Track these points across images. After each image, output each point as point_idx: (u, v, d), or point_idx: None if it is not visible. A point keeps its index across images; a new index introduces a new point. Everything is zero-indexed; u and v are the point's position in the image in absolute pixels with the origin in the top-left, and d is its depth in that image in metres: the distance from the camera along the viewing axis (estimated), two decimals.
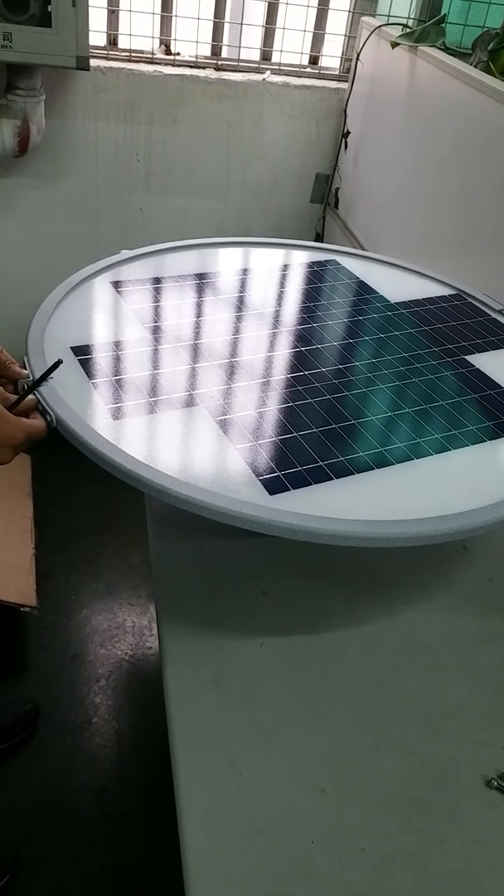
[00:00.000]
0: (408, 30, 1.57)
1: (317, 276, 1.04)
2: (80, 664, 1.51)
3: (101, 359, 0.77)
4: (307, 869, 0.52)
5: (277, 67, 1.86)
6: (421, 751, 0.60)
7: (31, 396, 0.67)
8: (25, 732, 1.35)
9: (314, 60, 1.91)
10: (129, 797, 1.31)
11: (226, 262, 1.04)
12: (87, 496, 1.89)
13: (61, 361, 0.68)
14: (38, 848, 1.22)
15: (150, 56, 1.76)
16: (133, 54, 1.75)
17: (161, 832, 1.27)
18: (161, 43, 1.80)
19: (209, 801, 0.55)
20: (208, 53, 1.83)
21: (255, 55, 1.87)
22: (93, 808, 1.28)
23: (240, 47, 1.81)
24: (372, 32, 1.65)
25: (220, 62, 1.82)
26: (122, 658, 1.54)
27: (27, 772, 1.32)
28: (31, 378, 0.69)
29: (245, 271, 1.02)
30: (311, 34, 1.86)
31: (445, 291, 1.05)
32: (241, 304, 0.93)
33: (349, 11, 1.83)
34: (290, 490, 0.64)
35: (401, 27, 1.60)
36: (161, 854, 1.24)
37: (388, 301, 0.99)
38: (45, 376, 0.68)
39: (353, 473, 0.67)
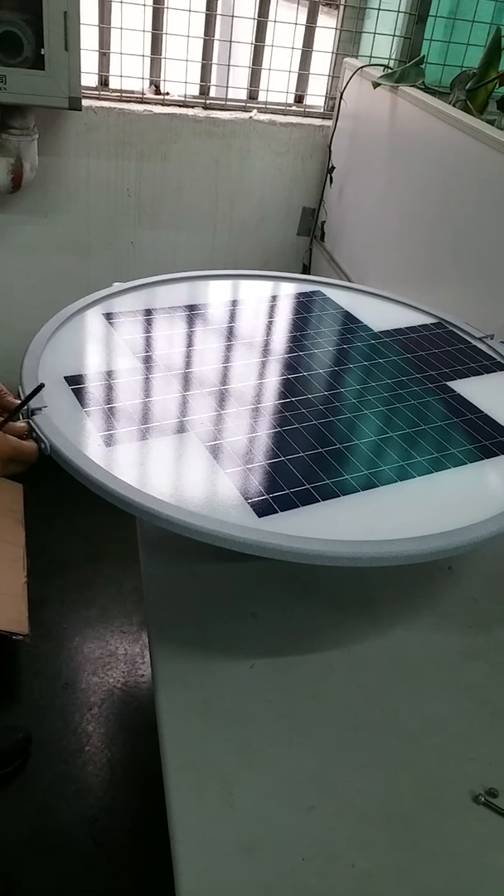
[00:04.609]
0: (389, 70, 1.63)
1: (304, 306, 1.07)
2: (73, 692, 1.51)
3: (94, 388, 0.79)
4: (298, 885, 0.53)
5: (264, 106, 1.92)
6: (408, 767, 0.61)
7: (22, 423, 0.69)
8: (17, 761, 1.35)
9: (299, 99, 1.97)
10: (121, 826, 1.30)
11: (215, 293, 1.07)
12: (79, 524, 1.90)
13: (43, 385, 0.71)
14: (30, 877, 1.21)
15: (141, 96, 1.82)
16: (124, 94, 1.81)
17: (153, 861, 1.26)
18: (151, 83, 1.86)
19: (201, 819, 0.55)
20: (197, 93, 1.89)
21: (242, 94, 1.92)
22: (85, 836, 1.27)
23: (227, 87, 1.87)
24: (354, 73, 1.71)
25: (208, 101, 1.88)
26: (114, 686, 1.53)
27: (19, 800, 1.31)
28: (26, 408, 0.71)
29: (234, 303, 1.05)
30: (297, 74, 1.93)
31: (427, 320, 1.08)
32: (230, 334, 0.96)
33: (333, 53, 1.90)
34: (278, 512, 0.65)
35: (382, 68, 1.67)
36: (153, 882, 1.23)
37: (373, 330, 1.02)
38: (28, 399, 0.71)
39: (340, 496, 0.69)
